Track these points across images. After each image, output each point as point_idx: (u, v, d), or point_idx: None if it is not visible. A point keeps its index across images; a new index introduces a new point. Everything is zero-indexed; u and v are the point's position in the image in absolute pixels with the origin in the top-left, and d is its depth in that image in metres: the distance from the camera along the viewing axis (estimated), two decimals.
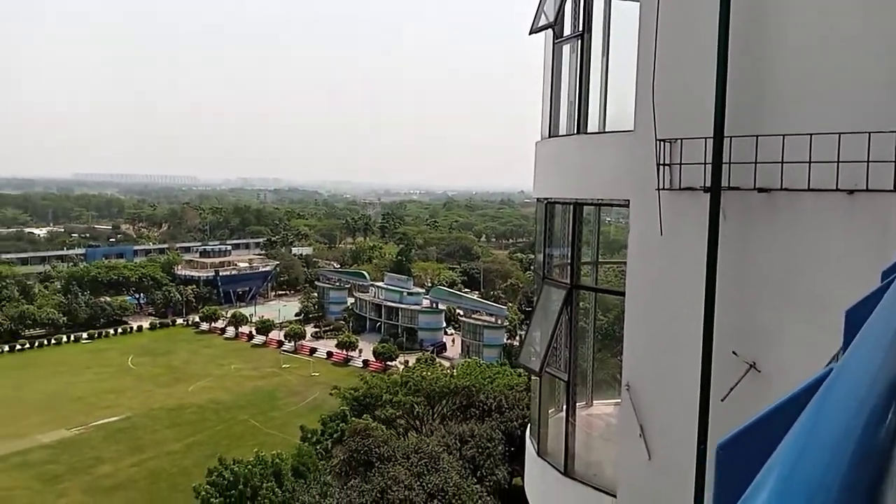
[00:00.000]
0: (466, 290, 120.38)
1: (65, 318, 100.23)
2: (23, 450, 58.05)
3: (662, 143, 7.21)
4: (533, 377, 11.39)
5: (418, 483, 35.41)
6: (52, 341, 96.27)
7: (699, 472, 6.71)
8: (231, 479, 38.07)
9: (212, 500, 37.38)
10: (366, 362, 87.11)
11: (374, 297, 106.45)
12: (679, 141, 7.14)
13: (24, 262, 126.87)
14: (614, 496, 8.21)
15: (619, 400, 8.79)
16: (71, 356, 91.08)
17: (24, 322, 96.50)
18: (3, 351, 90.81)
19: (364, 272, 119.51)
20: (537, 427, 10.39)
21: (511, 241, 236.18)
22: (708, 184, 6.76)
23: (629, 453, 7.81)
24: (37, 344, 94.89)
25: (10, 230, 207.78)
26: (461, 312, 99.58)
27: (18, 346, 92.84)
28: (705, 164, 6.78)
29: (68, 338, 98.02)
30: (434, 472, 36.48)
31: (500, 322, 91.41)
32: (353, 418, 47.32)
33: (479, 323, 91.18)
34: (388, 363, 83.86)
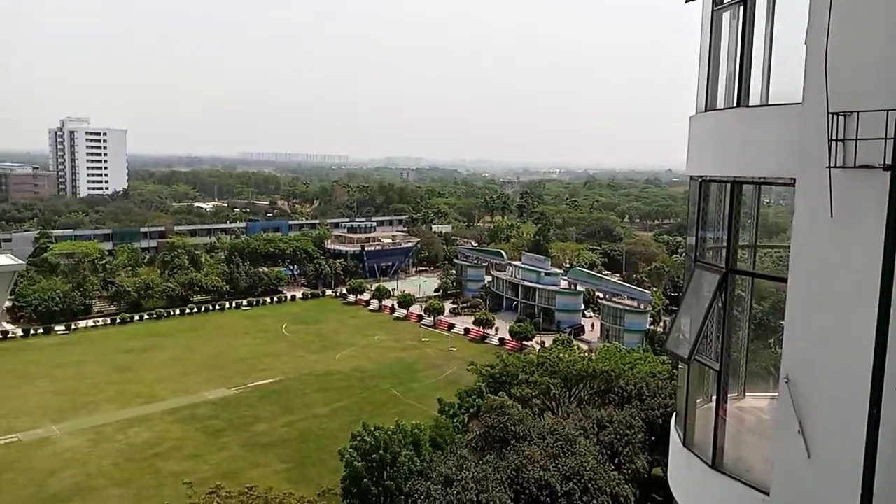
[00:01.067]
0: (607, 272, 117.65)
1: (227, 286, 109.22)
2: (192, 404, 64.20)
3: (835, 116, 6.59)
4: (680, 365, 10.92)
5: (553, 464, 35.29)
6: (216, 307, 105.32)
7: (867, 475, 6.17)
8: (372, 443, 39.87)
9: (355, 462, 39.37)
10: (502, 340, 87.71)
11: (512, 276, 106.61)
12: (855, 114, 6.49)
13: (193, 233, 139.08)
14: (766, 494, 7.74)
15: (774, 393, 8.24)
16: (232, 321, 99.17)
17: (192, 288, 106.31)
18: (175, 314, 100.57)
19: (501, 251, 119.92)
20: (684, 417, 9.98)
21: (657, 222, 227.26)
22: (889, 161, 6.11)
23: (786, 450, 7.31)
24: (203, 309, 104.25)
25: (182, 204, 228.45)
26: (601, 295, 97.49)
27: (188, 310, 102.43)
28: (886, 139, 6.12)
29: (230, 304, 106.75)
30: (570, 454, 36.20)
31: (642, 307, 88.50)
32: (489, 395, 47.87)
33: (620, 307, 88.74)
34: (525, 343, 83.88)
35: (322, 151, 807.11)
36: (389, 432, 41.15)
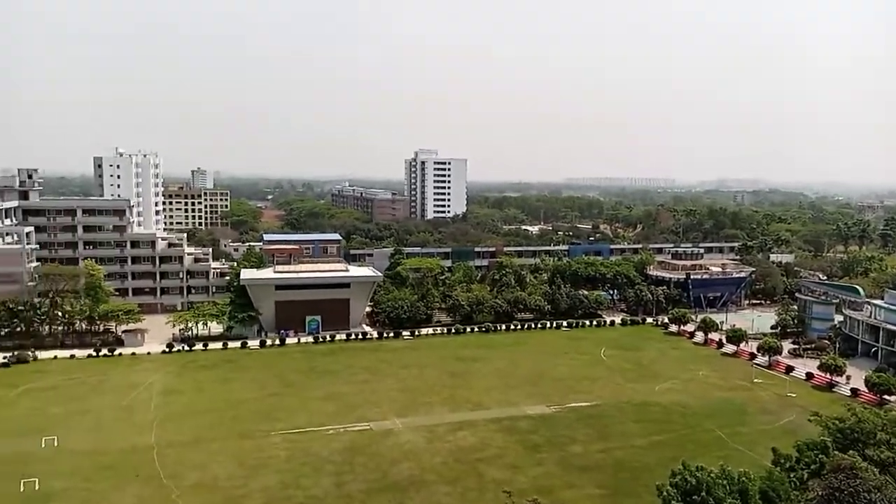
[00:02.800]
0: None
1: (549, 306, 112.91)
2: (513, 416, 67.38)
3: None
4: None
5: None
6: (538, 325, 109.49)
7: None
8: (694, 484, 37.31)
9: (673, 501, 37.24)
10: (854, 391, 75.74)
11: (871, 316, 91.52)
12: None
13: (520, 254, 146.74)
14: None
15: None
16: (552, 340, 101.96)
17: (517, 306, 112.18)
18: (501, 328, 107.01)
19: (857, 287, 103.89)
20: None
21: None
22: None
23: None
24: (526, 326, 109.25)
25: (511, 227, 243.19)
26: None
27: (512, 326, 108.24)
28: None
29: (551, 323, 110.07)
30: None
31: None
32: (836, 452, 41.60)
33: None
34: (886, 397, 71.41)
35: (647, 175, 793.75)
36: (713, 476, 38.13)
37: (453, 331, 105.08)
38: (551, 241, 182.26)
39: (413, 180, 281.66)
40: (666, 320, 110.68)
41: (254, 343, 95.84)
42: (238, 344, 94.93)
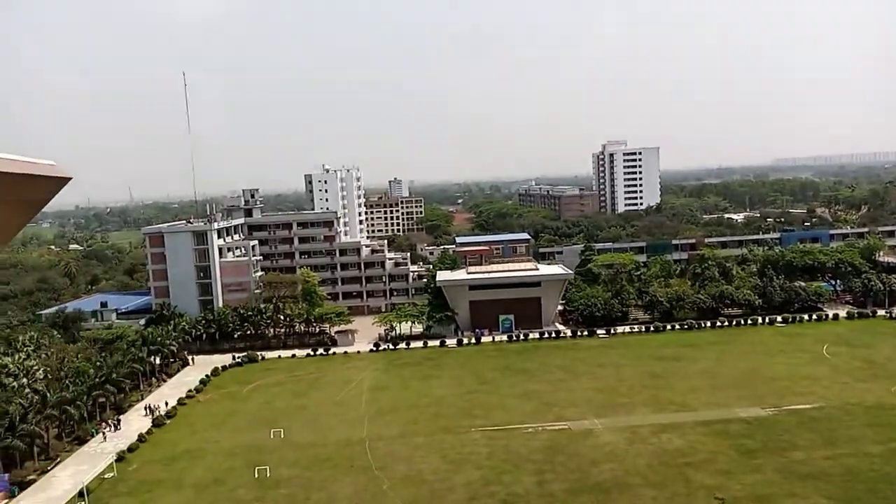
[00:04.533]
0: None
1: (759, 300, 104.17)
2: (723, 419, 62.92)
3: None
4: None
5: None
6: (748, 321, 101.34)
7: None
8: None
9: None
10: None
11: None
12: None
13: (724, 245, 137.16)
14: None
15: None
16: (765, 337, 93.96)
17: (723, 301, 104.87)
18: (706, 326, 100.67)
19: None
20: None
21: None
22: None
23: None
24: (734, 322, 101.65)
25: (712, 216, 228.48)
26: None
27: (718, 323, 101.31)
28: None
29: (762, 319, 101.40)
30: None
31: None
32: None
33: None
34: None
35: (871, 149, 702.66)
36: None
37: (651, 329, 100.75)
38: (759, 230, 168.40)
39: (601, 174, 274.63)
40: None
41: (451, 342, 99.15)
42: (437, 343, 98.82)
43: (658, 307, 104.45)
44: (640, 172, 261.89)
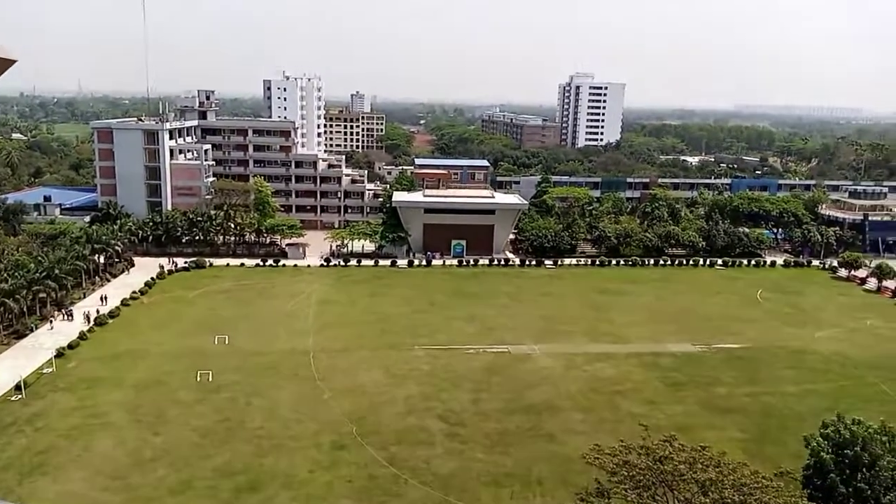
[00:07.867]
0: None
1: (704, 243, 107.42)
2: (655, 353, 65.85)
3: None
4: None
5: None
6: (690, 262, 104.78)
7: None
8: (848, 438, 34.97)
9: (822, 453, 35.21)
10: None
11: None
12: None
13: (676, 186, 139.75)
14: None
15: None
16: (704, 278, 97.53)
17: (668, 241, 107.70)
18: (650, 263, 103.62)
19: None
20: None
21: None
22: None
23: None
24: (677, 262, 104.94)
25: (669, 157, 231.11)
26: None
27: (661, 262, 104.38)
28: None
29: (704, 261, 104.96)
30: None
31: None
32: None
33: None
34: None
35: (830, 104, 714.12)
36: (871, 431, 35.48)
37: (598, 263, 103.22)
38: (712, 174, 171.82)
39: (566, 106, 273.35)
40: (835, 264, 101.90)
41: (402, 262, 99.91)
42: (388, 262, 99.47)
43: (606, 242, 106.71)
44: (604, 107, 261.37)
